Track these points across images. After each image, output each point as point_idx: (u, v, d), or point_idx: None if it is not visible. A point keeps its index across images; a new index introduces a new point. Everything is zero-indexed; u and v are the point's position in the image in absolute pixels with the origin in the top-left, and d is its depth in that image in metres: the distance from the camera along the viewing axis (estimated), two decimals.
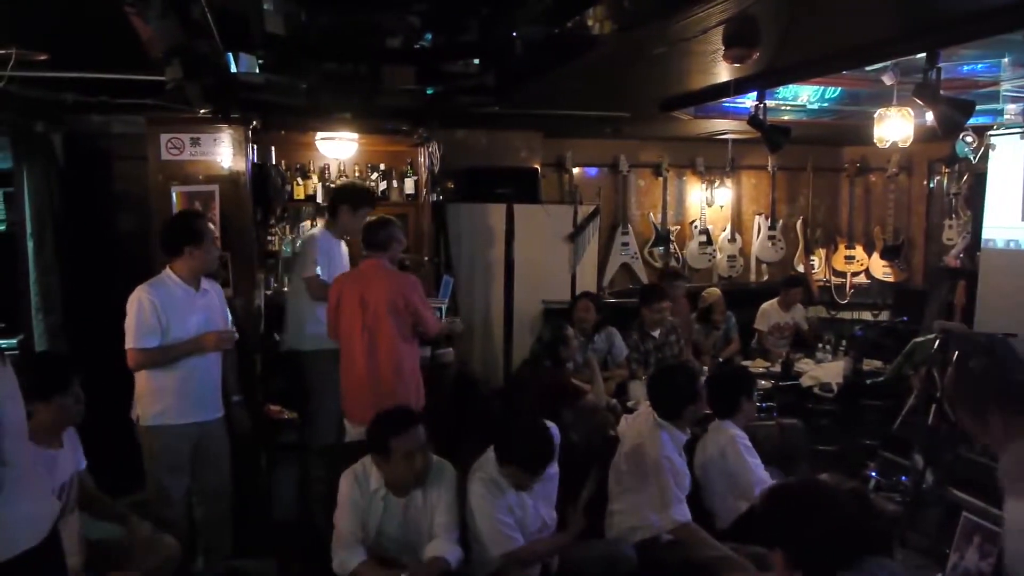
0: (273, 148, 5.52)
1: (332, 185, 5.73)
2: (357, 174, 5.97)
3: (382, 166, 6.03)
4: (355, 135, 5.76)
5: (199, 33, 3.05)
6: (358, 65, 4.25)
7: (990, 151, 6.20)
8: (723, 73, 4.59)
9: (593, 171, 7.48)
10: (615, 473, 3.66)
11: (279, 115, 5.17)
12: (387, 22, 3.84)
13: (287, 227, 5.86)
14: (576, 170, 7.29)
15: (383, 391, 3.99)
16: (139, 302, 3.63)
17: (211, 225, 4.17)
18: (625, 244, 7.40)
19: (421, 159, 5.93)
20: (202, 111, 4.51)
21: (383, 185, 5.98)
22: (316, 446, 4.59)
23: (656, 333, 5.67)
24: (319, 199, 5.75)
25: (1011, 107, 5.86)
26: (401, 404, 3.44)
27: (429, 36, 3.96)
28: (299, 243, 5.31)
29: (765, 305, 6.70)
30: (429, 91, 4.80)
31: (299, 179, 5.81)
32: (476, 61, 4.34)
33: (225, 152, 4.67)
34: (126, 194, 5.45)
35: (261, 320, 4.97)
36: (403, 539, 3.14)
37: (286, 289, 5.25)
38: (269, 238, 5.67)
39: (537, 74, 4.51)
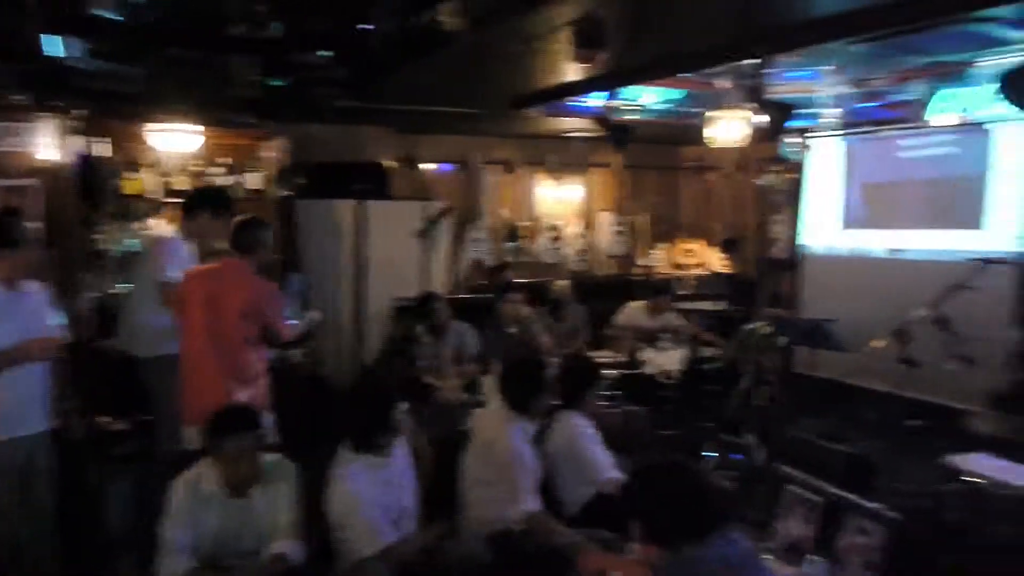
0: (108, 140, 5.15)
1: (168, 179, 5.42)
2: (199, 168, 5.68)
3: (226, 160, 5.77)
4: (197, 127, 5.48)
5: (14, 13, 2.82)
6: (200, 53, 4.05)
7: (809, 151, 6.72)
8: (572, 73, 4.73)
9: (446, 167, 7.50)
10: (467, 468, 3.69)
11: (114, 104, 4.85)
12: (231, 9, 3.69)
13: (119, 225, 5.47)
14: (428, 166, 7.28)
15: (227, 395, 3.83)
16: None
17: (29, 223, 3.82)
18: (477, 240, 7.47)
19: (268, 153, 5.73)
20: (17, 98, 4.15)
21: (227, 180, 5.73)
22: (160, 456, 4.34)
23: (511, 329, 5.76)
24: (157, 195, 5.43)
25: (829, 111, 6.40)
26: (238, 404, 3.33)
27: (277, 25, 3.85)
28: (143, 243, 4.94)
29: (632, 305, 6.82)
30: (277, 83, 4.66)
31: (133, 173, 5.45)
32: (327, 53, 4.25)
33: (46, 143, 4.30)
34: None
35: (88, 323, 4.63)
36: (245, 541, 3.05)
37: (118, 291, 4.91)
38: (98, 236, 5.28)
39: (390, 69, 4.48)
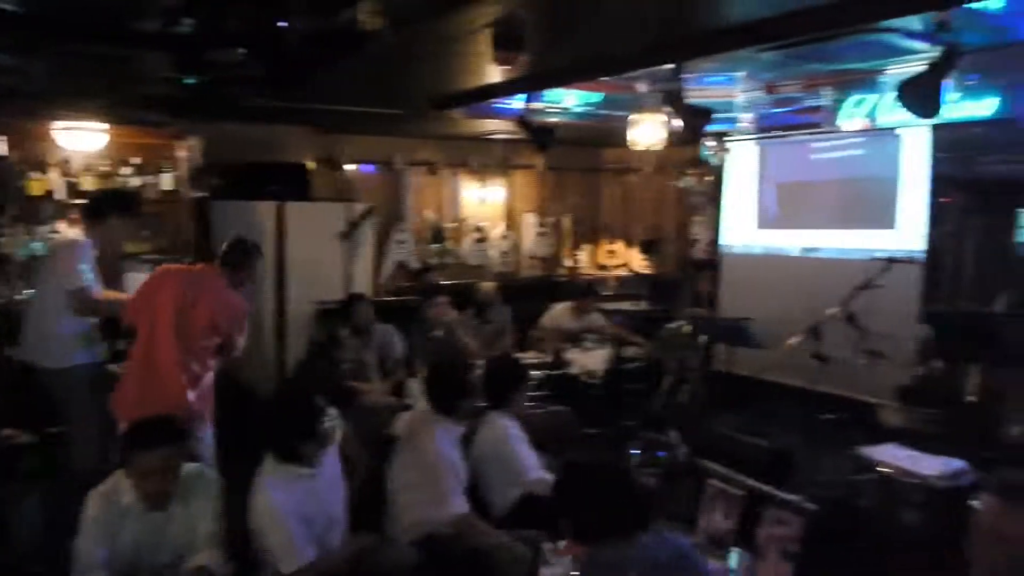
0: (6, 138, 4.89)
1: (76, 180, 5.18)
2: (109, 168, 5.44)
3: (135, 160, 5.56)
4: (104, 125, 5.26)
5: None
6: (107, 48, 3.89)
7: (726, 155, 6.91)
8: (494, 74, 4.73)
9: (368, 168, 7.40)
10: (394, 472, 3.65)
11: (15, 102, 4.60)
12: (141, 2, 3.56)
13: (24, 227, 5.20)
14: (350, 167, 7.18)
15: (176, 404, 3.75)
16: None
17: None
18: (401, 242, 7.40)
19: (180, 153, 5.54)
20: None
21: (137, 181, 5.51)
22: (75, 470, 4.12)
23: (438, 332, 5.72)
24: (63, 196, 5.18)
25: (744, 115, 6.59)
26: (162, 414, 3.21)
27: (189, 21, 3.72)
28: (49, 247, 4.69)
29: (558, 307, 6.88)
30: (189, 80, 4.50)
31: (38, 173, 5.19)
32: (242, 50, 4.14)
33: None
34: None
35: None
36: (163, 554, 2.95)
37: (24, 296, 4.66)
38: (1, 239, 5.01)
39: (308, 67, 4.39)
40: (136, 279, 5.61)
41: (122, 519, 2.89)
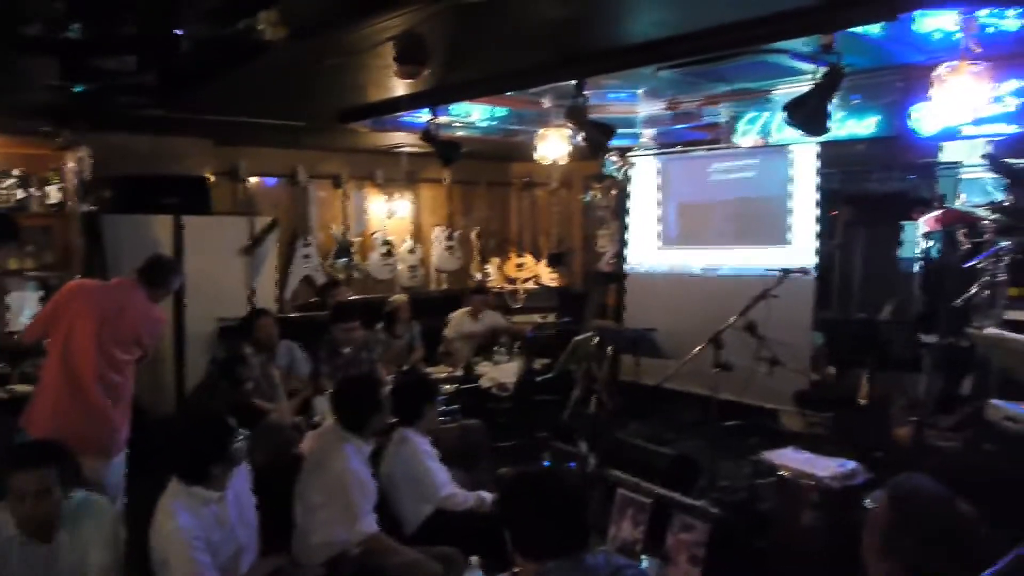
0: None
1: None
2: None
3: (18, 171, 5.25)
4: None
5: None
6: None
7: (631, 169, 7.07)
8: (399, 88, 4.71)
9: (271, 181, 7.22)
10: (302, 492, 3.55)
11: None
12: (24, 6, 3.38)
13: None
14: (252, 180, 6.99)
15: (99, 418, 3.78)
16: None
17: None
18: (307, 256, 7.24)
19: (68, 164, 5.26)
20: None
21: (19, 193, 5.21)
22: None
23: (346, 350, 5.61)
24: None
25: (647, 131, 6.77)
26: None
27: (77, 26, 3.55)
28: None
29: (456, 313, 6.95)
30: (77, 88, 4.30)
31: None
32: (133, 58, 3.99)
33: None
34: None
35: None
36: None
37: None
38: None
39: (205, 76, 4.26)
40: (21, 298, 5.31)
41: (4, 554, 2.72)
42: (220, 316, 6.02)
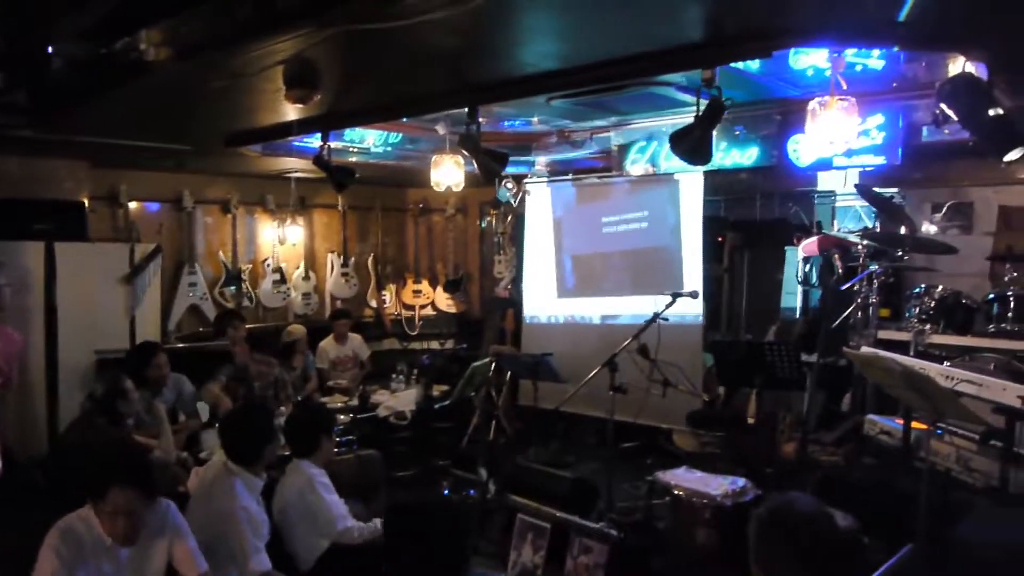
0: None
1: None
2: None
3: None
4: None
5: None
6: None
7: (527, 196, 7.16)
8: (290, 112, 4.60)
9: (154, 206, 6.92)
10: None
11: None
12: None
13: None
14: (133, 205, 6.67)
15: None
16: None
17: None
18: (193, 284, 6.96)
19: None
20: None
21: None
22: None
23: (257, 384, 5.40)
24: None
25: (541, 159, 6.88)
26: None
27: None
28: None
29: (322, 343, 6.81)
30: None
31: None
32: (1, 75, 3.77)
33: None
34: None
35: None
36: None
37: None
38: None
39: (80, 97, 4.04)
40: None
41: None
42: (98, 348, 5.70)
